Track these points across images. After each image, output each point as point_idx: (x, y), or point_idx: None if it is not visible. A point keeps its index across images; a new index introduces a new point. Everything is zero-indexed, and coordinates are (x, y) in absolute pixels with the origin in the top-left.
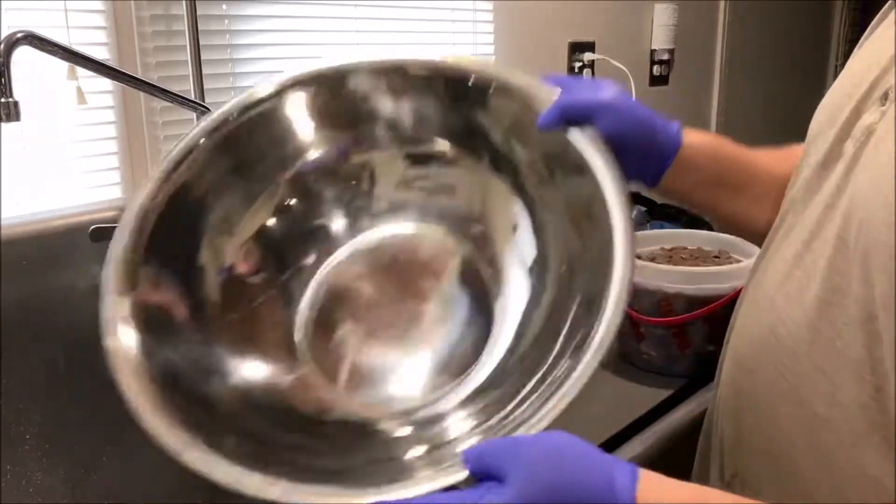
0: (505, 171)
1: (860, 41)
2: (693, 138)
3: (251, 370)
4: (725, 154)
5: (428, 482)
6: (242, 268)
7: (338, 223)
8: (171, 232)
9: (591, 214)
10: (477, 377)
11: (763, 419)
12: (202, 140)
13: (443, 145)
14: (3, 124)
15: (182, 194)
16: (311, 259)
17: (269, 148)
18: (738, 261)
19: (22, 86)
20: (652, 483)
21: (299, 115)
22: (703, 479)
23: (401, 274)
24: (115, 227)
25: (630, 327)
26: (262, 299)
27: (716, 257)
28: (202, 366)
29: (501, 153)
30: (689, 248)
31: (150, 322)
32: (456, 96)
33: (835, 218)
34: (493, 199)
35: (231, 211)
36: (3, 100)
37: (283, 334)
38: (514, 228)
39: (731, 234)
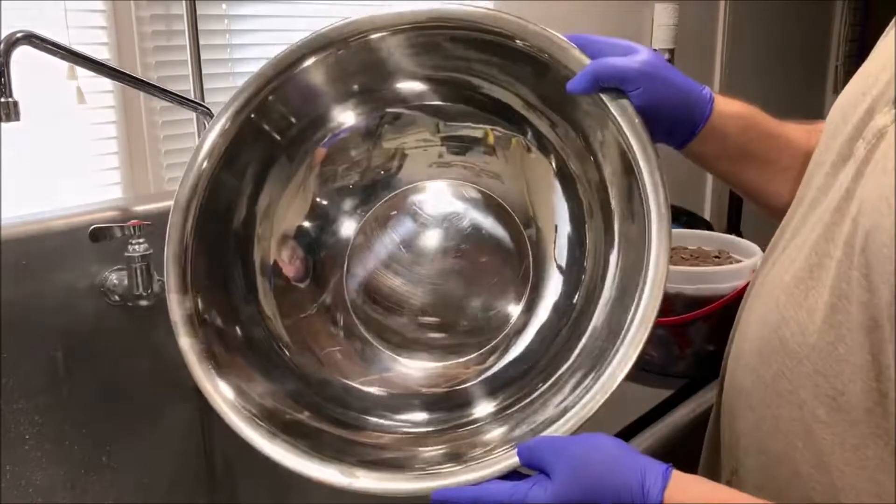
0: (549, 152)
1: (880, 38)
2: (725, 107)
3: (315, 366)
4: (756, 125)
5: (483, 469)
6: (288, 270)
7: (368, 204)
8: (218, 223)
9: (632, 210)
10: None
11: (762, 418)
12: (224, 119)
13: (484, 130)
14: (3, 124)
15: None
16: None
17: (303, 119)
18: (739, 261)
19: (22, 86)
20: (683, 484)
21: (331, 84)
22: (713, 475)
23: (455, 259)
24: (115, 226)
25: None
26: (312, 310)
27: (716, 257)
28: (274, 365)
29: (544, 135)
30: (689, 248)
31: (214, 321)
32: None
33: (844, 223)
34: (537, 184)
35: (273, 195)
36: (3, 100)
37: (337, 330)
38: (554, 210)
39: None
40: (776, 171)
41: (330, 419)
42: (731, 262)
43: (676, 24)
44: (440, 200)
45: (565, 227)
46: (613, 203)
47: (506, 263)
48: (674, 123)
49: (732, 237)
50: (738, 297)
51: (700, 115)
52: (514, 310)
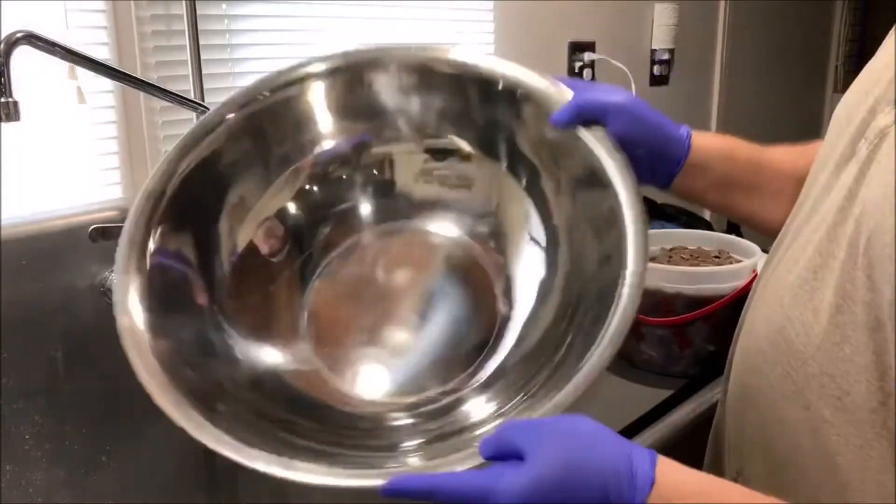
0: (522, 173)
1: (889, 33)
2: (703, 140)
3: (263, 355)
4: (738, 154)
5: (441, 469)
6: (262, 247)
7: (354, 212)
8: (187, 209)
9: (606, 218)
10: (484, 370)
11: (768, 419)
12: (229, 115)
13: (462, 143)
14: (3, 124)
15: (202, 169)
16: (324, 244)
17: (290, 132)
18: (739, 261)
19: (22, 86)
20: (671, 468)
21: (321, 103)
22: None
23: (410, 267)
24: (115, 226)
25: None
26: (279, 282)
27: (716, 257)
28: (215, 347)
29: (521, 156)
30: (689, 248)
31: (162, 302)
32: (483, 98)
33: (847, 223)
34: (507, 197)
35: (248, 192)
36: (3, 100)
37: (294, 321)
38: (526, 224)
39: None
40: (765, 196)
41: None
42: (731, 262)
43: (676, 24)
44: (410, 241)
45: (536, 248)
46: (580, 218)
47: (476, 296)
48: (654, 160)
49: (732, 237)
50: (738, 297)
51: (679, 150)
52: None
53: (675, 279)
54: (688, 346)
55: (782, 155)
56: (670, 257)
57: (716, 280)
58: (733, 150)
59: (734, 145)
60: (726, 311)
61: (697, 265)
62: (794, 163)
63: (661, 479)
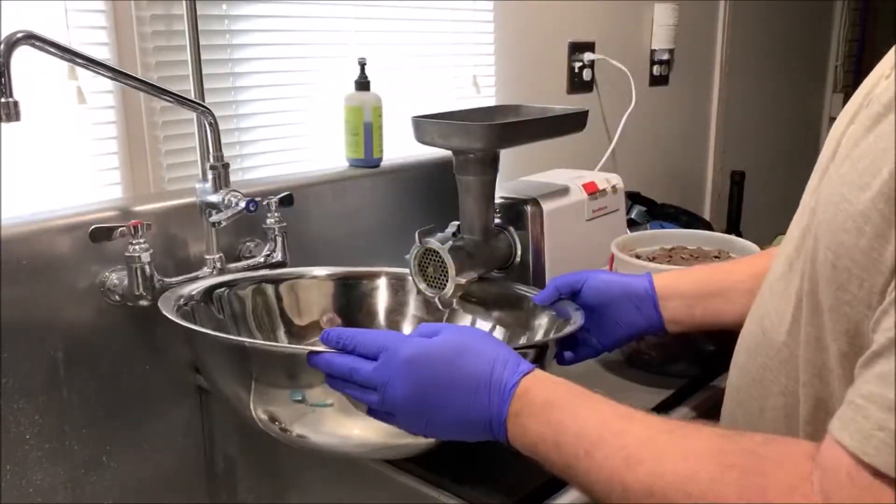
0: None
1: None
2: (666, 292)
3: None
4: (696, 271)
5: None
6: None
7: None
8: None
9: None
10: None
11: (750, 412)
12: None
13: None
14: (3, 124)
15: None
16: None
17: None
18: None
19: (22, 86)
20: (540, 379)
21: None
22: None
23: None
24: (115, 226)
25: None
26: None
27: (716, 257)
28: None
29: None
30: (689, 247)
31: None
32: None
33: (814, 218)
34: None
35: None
36: (3, 100)
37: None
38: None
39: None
40: (742, 304)
41: None
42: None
43: (676, 24)
44: None
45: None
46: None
47: None
48: (635, 303)
49: (732, 237)
50: None
51: (649, 287)
52: None
53: None
54: (687, 346)
55: (746, 268)
56: (670, 257)
57: None
58: (689, 271)
59: (688, 270)
60: None
61: (697, 265)
62: (761, 266)
63: (528, 380)
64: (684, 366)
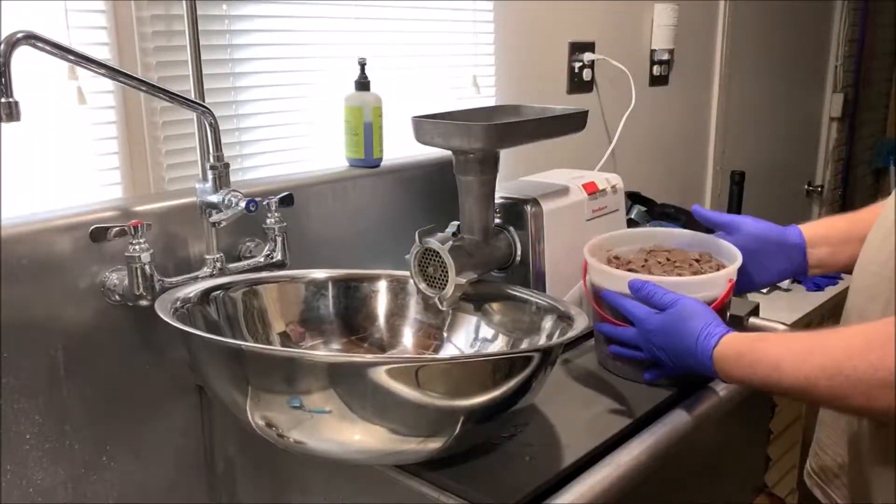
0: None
1: None
2: (810, 226)
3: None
4: (839, 220)
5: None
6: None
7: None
8: None
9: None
10: None
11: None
12: None
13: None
14: (3, 124)
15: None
16: None
17: None
18: (720, 265)
19: (22, 86)
20: (735, 338)
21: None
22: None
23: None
24: (115, 226)
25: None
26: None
27: (696, 260)
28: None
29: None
30: (669, 250)
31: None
32: None
33: None
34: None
35: None
36: (3, 100)
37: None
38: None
39: None
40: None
41: None
42: (710, 267)
43: (676, 24)
44: None
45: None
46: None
47: None
48: (778, 261)
49: (715, 238)
50: (715, 309)
51: (798, 235)
52: None
53: None
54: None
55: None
56: (646, 260)
57: (688, 290)
58: (833, 221)
59: (832, 221)
60: None
61: (673, 269)
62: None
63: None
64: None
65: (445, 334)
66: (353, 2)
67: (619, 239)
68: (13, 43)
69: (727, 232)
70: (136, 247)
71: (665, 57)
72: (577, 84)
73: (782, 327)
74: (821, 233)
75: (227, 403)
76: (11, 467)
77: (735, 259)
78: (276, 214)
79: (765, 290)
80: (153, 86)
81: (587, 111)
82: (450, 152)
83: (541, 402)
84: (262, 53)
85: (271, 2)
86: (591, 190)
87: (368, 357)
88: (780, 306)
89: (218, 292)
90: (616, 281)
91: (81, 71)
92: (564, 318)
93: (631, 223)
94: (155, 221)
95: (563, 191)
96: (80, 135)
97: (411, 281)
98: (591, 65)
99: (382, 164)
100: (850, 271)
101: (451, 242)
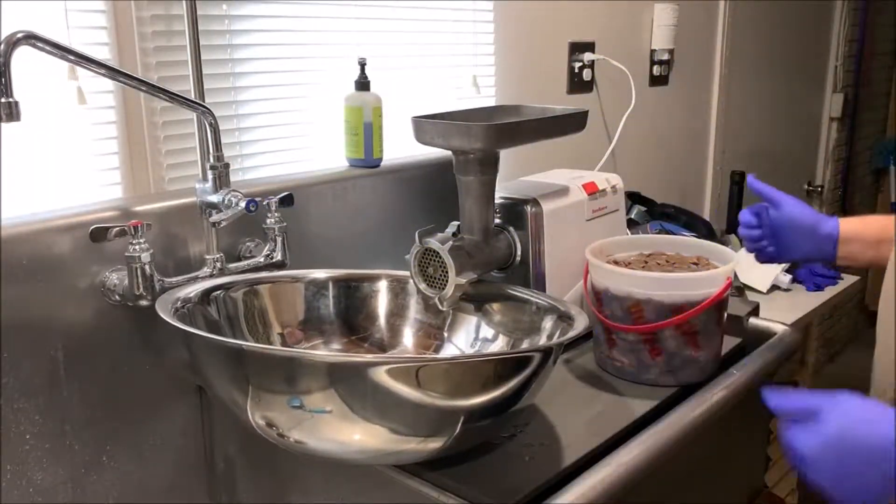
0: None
1: None
2: (848, 221)
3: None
4: (876, 220)
5: None
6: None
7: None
8: None
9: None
10: None
11: None
12: None
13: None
14: (3, 124)
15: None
16: None
17: None
18: (717, 267)
19: (22, 86)
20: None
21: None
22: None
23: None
24: (115, 226)
25: (603, 333)
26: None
27: (694, 264)
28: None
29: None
30: (668, 253)
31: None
32: None
33: None
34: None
35: None
36: (3, 100)
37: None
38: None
39: None
40: None
41: None
42: (708, 269)
43: (676, 24)
44: None
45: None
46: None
47: None
48: (807, 246)
49: (712, 244)
50: (711, 305)
51: (832, 224)
52: None
53: (646, 285)
54: (658, 353)
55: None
56: (646, 262)
57: (687, 287)
58: (870, 220)
59: (869, 220)
60: (699, 319)
61: (672, 272)
62: None
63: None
64: (656, 374)
65: (446, 334)
66: (353, 2)
67: (619, 245)
68: (13, 43)
69: (771, 205)
70: (136, 247)
71: (665, 57)
72: (577, 84)
73: (782, 327)
74: (858, 228)
75: (228, 403)
76: (11, 467)
77: (730, 262)
78: (276, 214)
79: (765, 291)
80: (153, 86)
81: (587, 111)
82: (450, 152)
83: (541, 402)
84: (262, 53)
85: (271, 2)
86: (591, 190)
87: (369, 357)
88: (780, 306)
89: (218, 292)
90: (619, 279)
91: (81, 71)
92: (564, 318)
93: (631, 223)
94: (155, 221)
95: (563, 191)
96: (80, 135)
97: (411, 281)
98: (592, 65)
99: (382, 164)
100: (877, 267)
101: (451, 243)
